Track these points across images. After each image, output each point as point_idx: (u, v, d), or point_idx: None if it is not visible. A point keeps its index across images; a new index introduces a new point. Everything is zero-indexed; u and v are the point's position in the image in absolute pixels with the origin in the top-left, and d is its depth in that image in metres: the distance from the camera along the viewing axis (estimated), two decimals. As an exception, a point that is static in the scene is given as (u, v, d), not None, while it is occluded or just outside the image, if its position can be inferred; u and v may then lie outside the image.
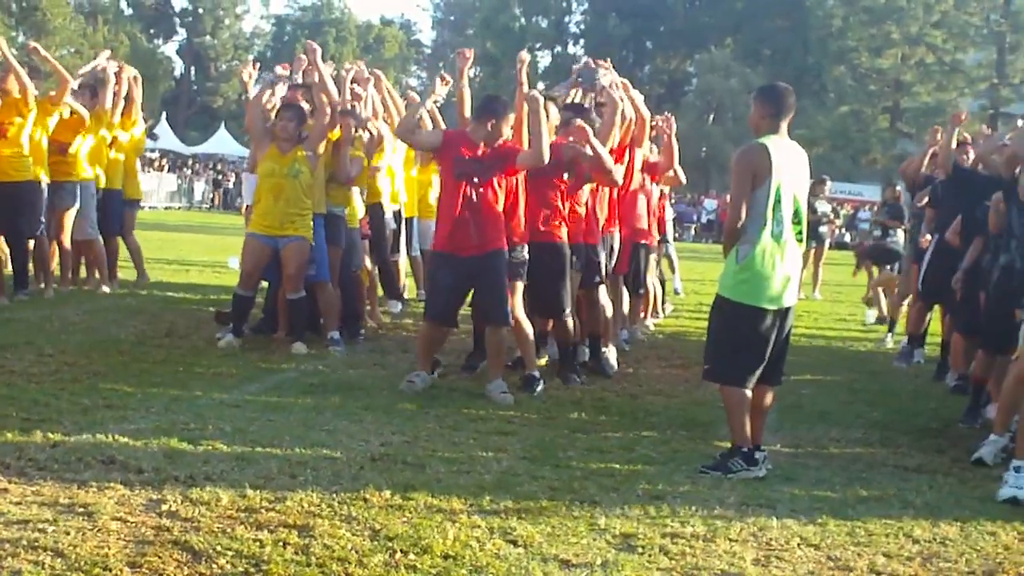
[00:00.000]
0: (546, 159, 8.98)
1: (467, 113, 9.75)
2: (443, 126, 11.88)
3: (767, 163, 6.90)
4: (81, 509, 5.38)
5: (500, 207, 8.95)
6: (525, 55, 9.71)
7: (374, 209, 12.65)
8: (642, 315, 14.29)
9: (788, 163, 7.02)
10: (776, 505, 6.34)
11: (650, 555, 5.31)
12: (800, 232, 7.11)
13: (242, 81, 12.26)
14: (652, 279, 14.40)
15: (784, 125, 7.10)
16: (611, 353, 10.67)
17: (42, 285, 13.00)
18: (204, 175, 56.62)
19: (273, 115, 10.50)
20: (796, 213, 7.06)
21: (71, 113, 12.94)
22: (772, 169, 6.90)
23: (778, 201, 6.93)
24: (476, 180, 8.82)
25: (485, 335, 9.46)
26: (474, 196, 8.84)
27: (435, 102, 10.27)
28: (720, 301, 7.17)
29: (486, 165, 8.86)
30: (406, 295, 14.34)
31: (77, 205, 13.20)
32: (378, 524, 5.44)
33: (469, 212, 8.85)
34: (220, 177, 56.38)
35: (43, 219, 12.59)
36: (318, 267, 10.62)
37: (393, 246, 13.50)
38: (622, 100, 9.96)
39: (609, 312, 10.59)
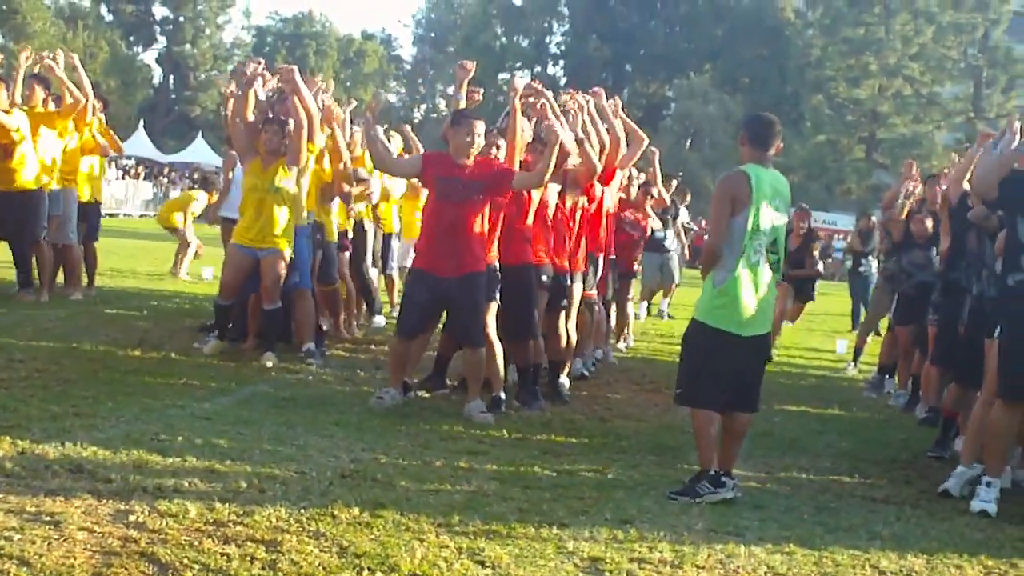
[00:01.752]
0: (545, 183, 9.05)
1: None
2: (420, 147, 11.92)
3: (747, 191, 6.99)
4: (47, 518, 5.34)
5: (481, 228, 8.94)
6: (519, 83, 9.63)
7: (358, 225, 12.76)
8: (624, 337, 14.38)
9: (768, 192, 7.08)
10: (744, 533, 6.35)
11: (617, 580, 5.31)
12: (777, 261, 7.22)
13: (223, 94, 12.25)
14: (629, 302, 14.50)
15: (768, 155, 7.21)
16: (565, 380, 10.65)
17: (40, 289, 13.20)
18: (180, 184, 56.39)
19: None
20: (775, 242, 7.15)
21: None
22: (752, 197, 6.98)
23: (756, 229, 7.00)
24: (458, 200, 8.80)
25: (463, 356, 9.45)
26: (456, 216, 8.83)
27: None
28: (695, 325, 7.26)
29: (472, 185, 8.83)
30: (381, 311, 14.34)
31: (60, 211, 13.29)
32: (346, 541, 5.42)
33: (450, 232, 8.84)
34: (196, 186, 56.18)
35: (45, 224, 12.98)
36: (301, 275, 10.66)
37: (372, 260, 13.62)
38: (585, 128, 9.87)
39: (574, 338, 10.59)
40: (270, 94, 11.00)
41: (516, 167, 9.17)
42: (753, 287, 7.07)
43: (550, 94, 9.68)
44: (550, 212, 9.72)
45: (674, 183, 19.45)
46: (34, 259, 13.05)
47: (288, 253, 10.41)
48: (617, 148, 10.72)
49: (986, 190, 7.70)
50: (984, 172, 7.85)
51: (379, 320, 13.96)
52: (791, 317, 17.99)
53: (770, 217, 7.09)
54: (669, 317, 19.52)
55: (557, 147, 8.82)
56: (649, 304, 19.61)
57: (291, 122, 10.38)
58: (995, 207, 7.93)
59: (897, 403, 12.10)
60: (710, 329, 7.14)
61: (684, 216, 19.27)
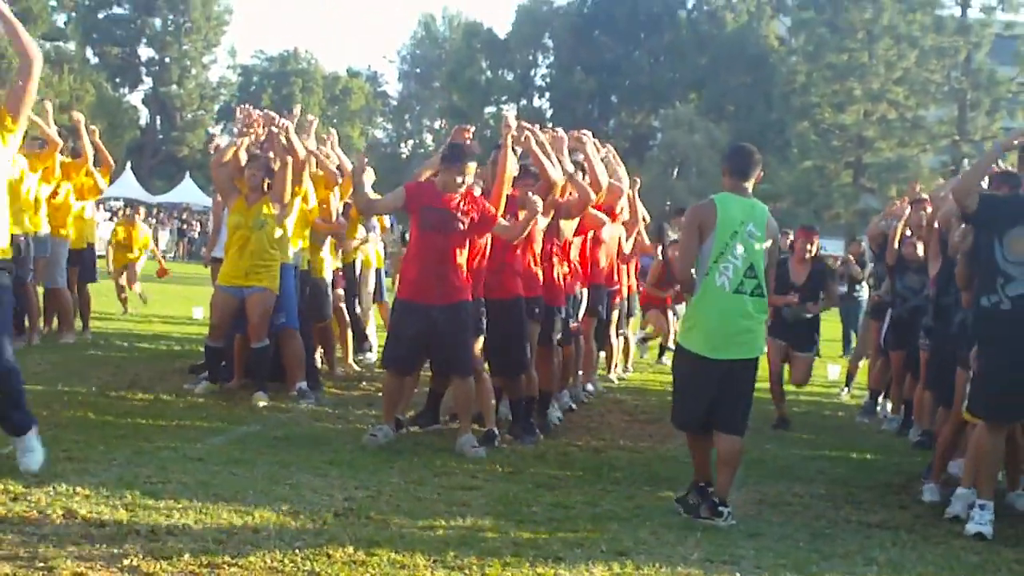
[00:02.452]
0: (522, 238, 9.14)
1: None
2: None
3: (712, 218, 7.29)
4: (41, 564, 5.32)
5: (465, 259, 8.96)
6: (512, 121, 9.65)
7: (350, 265, 12.88)
8: (615, 366, 14.41)
9: (737, 219, 7.31)
10: (740, 561, 6.34)
11: (614, 612, 5.30)
12: (758, 287, 7.35)
13: (210, 147, 12.28)
14: (623, 330, 14.53)
15: (747, 184, 7.47)
16: (555, 410, 10.74)
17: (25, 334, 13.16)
18: (168, 224, 56.43)
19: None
20: (752, 267, 7.31)
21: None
22: (717, 224, 7.26)
23: (722, 253, 7.25)
24: (444, 230, 8.83)
25: (452, 388, 9.45)
26: (442, 246, 8.85)
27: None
28: (676, 348, 7.86)
29: (458, 217, 8.85)
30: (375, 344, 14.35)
31: (47, 253, 13.32)
32: (341, 580, 5.41)
33: (436, 261, 8.86)
34: (185, 227, 56.21)
35: (31, 268, 12.93)
36: (287, 315, 10.65)
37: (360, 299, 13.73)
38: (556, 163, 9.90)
39: (558, 372, 10.62)
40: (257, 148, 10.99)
41: (503, 201, 9.21)
42: (721, 310, 7.30)
43: (536, 127, 9.74)
44: (538, 246, 9.72)
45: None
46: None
47: (274, 290, 10.39)
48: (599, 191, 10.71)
49: (965, 194, 7.77)
50: (965, 176, 8.04)
51: (371, 356, 13.96)
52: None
53: (739, 244, 7.29)
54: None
55: (534, 219, 9.02)
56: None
57: (275, 159, 10.42)
58: (973, 221, 7.94)
59: (890, 427, 12.11)
60: (684, 351, 7.52)
61: None
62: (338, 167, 11.73)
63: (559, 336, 10.26)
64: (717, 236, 7.25)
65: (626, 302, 14.60)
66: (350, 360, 13.39)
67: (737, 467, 7.55)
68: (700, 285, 7.32)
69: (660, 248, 19.97)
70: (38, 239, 13.18)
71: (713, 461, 7.50)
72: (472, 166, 9.05)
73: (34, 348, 12.95)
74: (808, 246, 11.85)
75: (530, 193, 9.03)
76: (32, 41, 7.52)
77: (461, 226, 8.85)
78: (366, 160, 9.91)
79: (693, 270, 7.36)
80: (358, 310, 13.78)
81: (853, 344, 20.77)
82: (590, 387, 12.76)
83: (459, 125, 10.38)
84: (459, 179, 8.90)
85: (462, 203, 8.90)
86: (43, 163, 13.05)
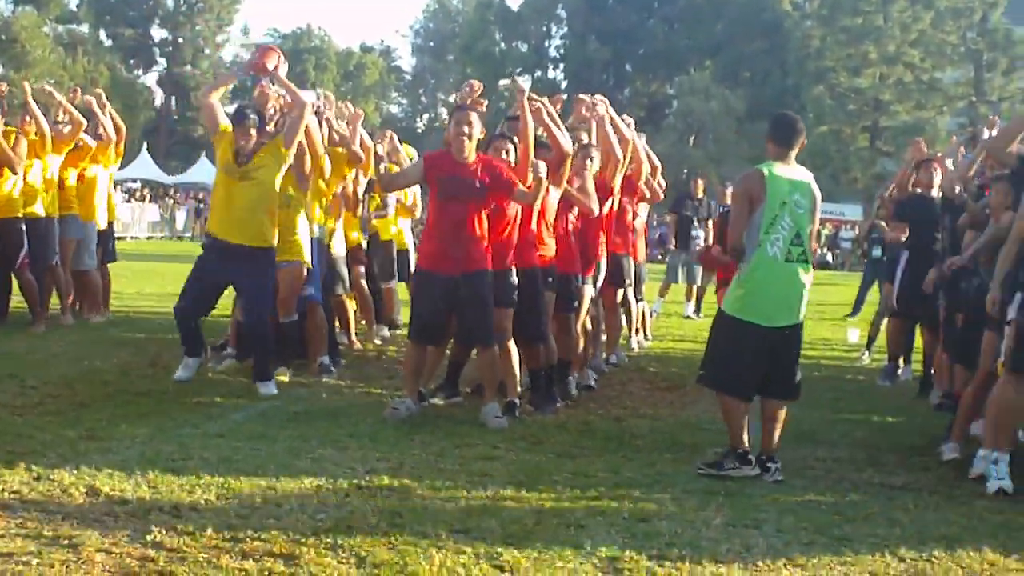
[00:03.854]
0: (538, 204, 9.09)
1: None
2: (406, 155, 12.01)
3: (762, 188, 7.41)
4: (66, 541, 5.35)
5: (484, 227, 8.94)
6: (523, 84, 9.61)
7: (374, 238, 12.92)
8: (636, 331, 14.38)
9: (785, 188, 7.46)
10: (762, 525, 6.34)
11: (637, 578, 5.30)
12: (803, 253, 7.53)
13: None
14: (640, 297, 14.51)
15: (791, 153, 7.65)
16: (587, 376, 10.83)
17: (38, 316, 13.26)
18: (185, 204, 56.52)
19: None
20: (798, 235, 7.49)
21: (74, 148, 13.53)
22: (766, 194, 7.38)
23: (772, 223, 7.38)
24: (461, 198, 8.82)
25: (476, 358, 9.45)
26: (459, 214, 8.83)
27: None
28: (721, 315, 7.79)
29: (474, 183, 8.84)
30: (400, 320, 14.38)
31: (81, 236, 13.74)
32: (364, 551, 5.42)
33: (453, 230, 8.84)
34: (201, 206, 56.29)
35: (56, 250, 13.21)
36: (315, 288, 10.66)
37: (388, 273, 13.74)
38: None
39: (580, 341, 10.60)
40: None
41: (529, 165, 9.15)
42: (774, 279, 7.47)
43: (545, 99, 9.72)
44: (551, 216, 9.69)
45: (701, 183, 19.63)
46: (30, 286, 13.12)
47: (305, 263, 10.34)
48: (613, 160, 10.71)
49: (1004, 146, 7.89)
50: (1005, 130, 8.17)
51: (382, 328, 13.95)
52: None
53: (789, 211, 7.44)
54: (699, 317, 19.34)
55: (544, 187, 8.94)
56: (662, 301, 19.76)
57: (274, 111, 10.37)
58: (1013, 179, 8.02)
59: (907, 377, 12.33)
60: (734, 319, 7.60)
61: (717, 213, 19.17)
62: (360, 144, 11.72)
63: (576, 305, 10.22)
64: (767, 206, 7.40)
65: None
66: (373, 335, 13.47)
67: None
68: (753, 255, 7.44)
69: (675, 218, 20.02)
70: (69, 222, 13.31)
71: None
72: (474, 116, 9.00)
73: (55, 329, 12.99)
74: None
75: (541, 163, 8.98)
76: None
77: (478, 192, 8.83)
78: (395, 138, 9.89)
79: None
80: (381, 285, 13.80)
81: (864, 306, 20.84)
82: (614, 358, 12.73)
83: (467, 82, 10.34)
84: (464, 128, 8.86)
85: (478, 169, 8.88)
86: (67, 145, 13.15)
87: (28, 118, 12.84)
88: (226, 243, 9.77)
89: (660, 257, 33.92)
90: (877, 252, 20.23)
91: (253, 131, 9.69)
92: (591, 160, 10.13)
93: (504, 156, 9.23)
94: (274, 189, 9.84)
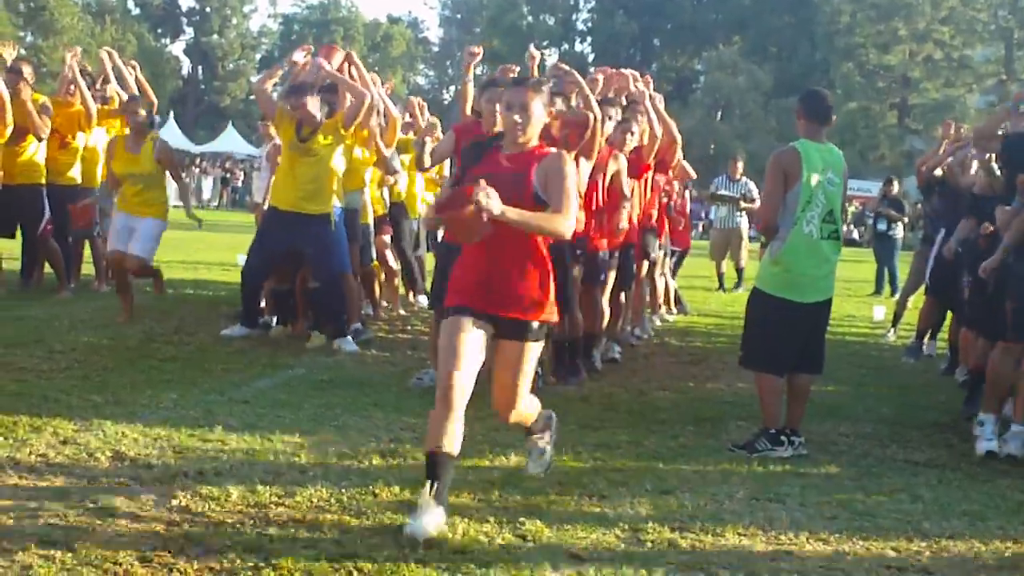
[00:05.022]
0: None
1: (468, 110, 9.58)
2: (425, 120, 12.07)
3: (797, 165, 7.40)
4: (92, 505, 5.38)
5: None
6: (535, 51, 9.61)
7: (397, 208, 12.91)
8: (659, 307, 14.39)
9: (819, 165, 7.46)
10: (785, 499, 6.33)
11: (659, 548, 5.31)
12: (835, 231, 7.58)
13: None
14: (666, 271, 14.52)
15: (823, 129, 7.64)
16: (612, 349, 10.87)
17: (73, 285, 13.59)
18: (212, 173, 56.62)
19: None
20: (831, 213, 7.51)
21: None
22: (802, 171, 7.38)
23: (808, 201, 7.39)
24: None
25: None
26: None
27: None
28: (756, 293, 7.76)
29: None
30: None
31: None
32: (388, 519, 5.44)
33: None
34: (228, 175, 56.40)
35: (98, 220, 13.33)
36: (341, 259, 10.70)
37: (417, 241, 13.78)
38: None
39: (607, 314, 10.59)
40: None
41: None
42: (808, 256, 7.47)
43: (577, 74, 9.69)
44: (582, 190, 9.65)
45: (740, 164, 19.62)
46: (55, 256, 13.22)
47: (334, 226, 10.48)
48: (652, 140, 10.76)
49: (990, 137, 7.99)
50: (988, 124, 8.39)
51: (423, 299, 14.02)
52: None
53: (823, 189, 7.45)
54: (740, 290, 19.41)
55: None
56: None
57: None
58: None
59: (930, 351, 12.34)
60: (770, 297, 7.60)
61: (756, 193, 19.13)
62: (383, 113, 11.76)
63: (603, 279, 10.21)
64: (803, 184, 7.39)
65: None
66: (398, 305, 13.55)
67: None
68: (789, 233, 7.43)
69: (714, 198, 20.00)
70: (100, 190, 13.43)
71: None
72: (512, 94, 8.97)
73: (81, 295, 13.06)
74: None
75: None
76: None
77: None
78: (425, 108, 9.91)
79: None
80: (410, 254, 13.81)
81: (886, 284, 20.83)
82: (638, 331, 12.74)
83: (502, 66, 10.34)
84: (494, 107, 8.83)
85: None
86: (113, 119, 13.35)
87: (72, 88, 12.91)
88: (290, 213, 10.41)
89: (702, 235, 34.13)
90: (882, 226, 20.37)
91: (309, 104, 10.21)
92: (631, 135, 10.14)
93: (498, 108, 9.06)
94: (332, 163, 10.47)
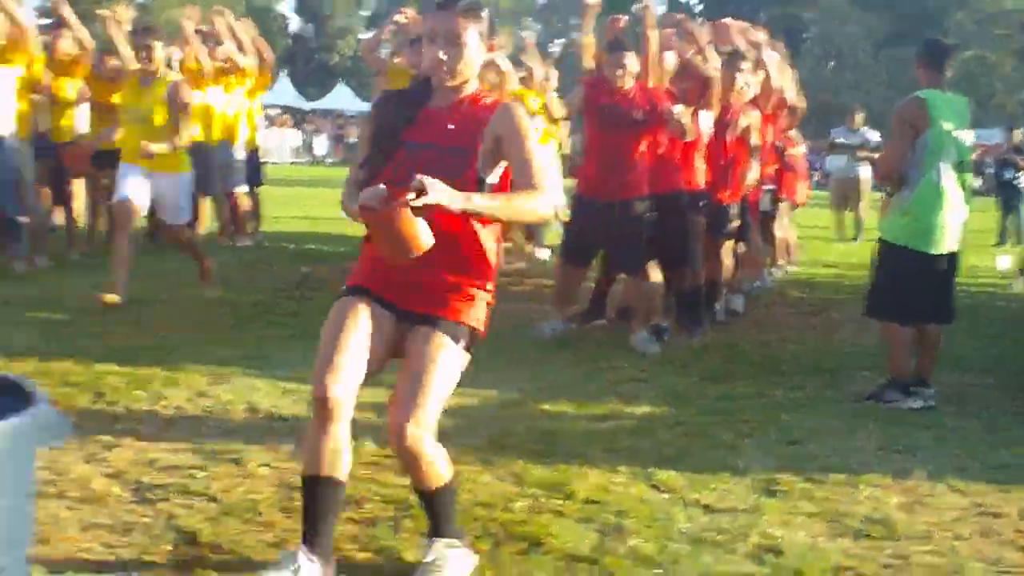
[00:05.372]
0: (691, 136, 9.07)
1: (591, 62, 9.48)
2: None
3: (924, 115, 7.30)
4: (229, 456, 5.50)
5: (642, 154, 8.88)
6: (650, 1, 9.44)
7: None
8: (778, 259, 14.27)
9: (947, 114, 7.36)
10: (916, 451, 6.27)
11: (794, 500, 5.29)
12: (964, 180, 7.48)
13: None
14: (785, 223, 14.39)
15: (943, 77, 7.50)
16: (734, 301, 10.79)
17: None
18: (325, 130, 57.09)
19: None
20: (961, 163, 7.42)
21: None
22: (930, 120, 7.28)
23: (938, 150, 7.29)
24: (618, 126, 8.77)
25: (627, 286, 9.43)
26: (617, 142, 8.79)
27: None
28: (882, 244, 7.65)
29: (632, 112, 8.79)
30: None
31: (227, 159, 14.23)
32: (519, 469, 5.49)
33: (611, 159, 8.80)
34: (341, 132, 56.79)
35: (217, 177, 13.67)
36: None
37: None
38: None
39: (730, 265, 10.55)
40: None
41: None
42: (937, 206, 7.35)
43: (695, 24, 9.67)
44: (703, 141, 9.60)
45: (860, 116, 19.34)
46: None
47: None
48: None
49: None
50: None
51: (543, 252, 14.06)
52: None
53: (950, 137, 7.35)
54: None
55: (688, 130, 9.01)
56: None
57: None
58: None
59: None
60: (898, 248, 7.49)
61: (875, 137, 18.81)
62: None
63: (726, 230, 10.17)
64: (932, 133, 7.29)
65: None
66: (522, 255, 13.66)
67: None
68: (919, 183, 7.34)
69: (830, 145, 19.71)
70: (221, 146, 13.64)
71: None
72: (630, 56, 8.93)
73: (207, 250, 13.27)
74: None
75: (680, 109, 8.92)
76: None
77: (637, 121, 8.78)
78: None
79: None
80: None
81: (1008, 234, 20.48)
82: (758, 283, 12.64)
83: (612, 16, 10.17)
84: (619, 71, 8.82)
85: (636, 96, 8.83)
86: (231, 77, 13.65)
87: (189, 50, 13.10)
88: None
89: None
90: (1008, 175, 20.04)
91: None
92: (747, 86, 10.10)
93: (623, 69, 8.97)
94: None
